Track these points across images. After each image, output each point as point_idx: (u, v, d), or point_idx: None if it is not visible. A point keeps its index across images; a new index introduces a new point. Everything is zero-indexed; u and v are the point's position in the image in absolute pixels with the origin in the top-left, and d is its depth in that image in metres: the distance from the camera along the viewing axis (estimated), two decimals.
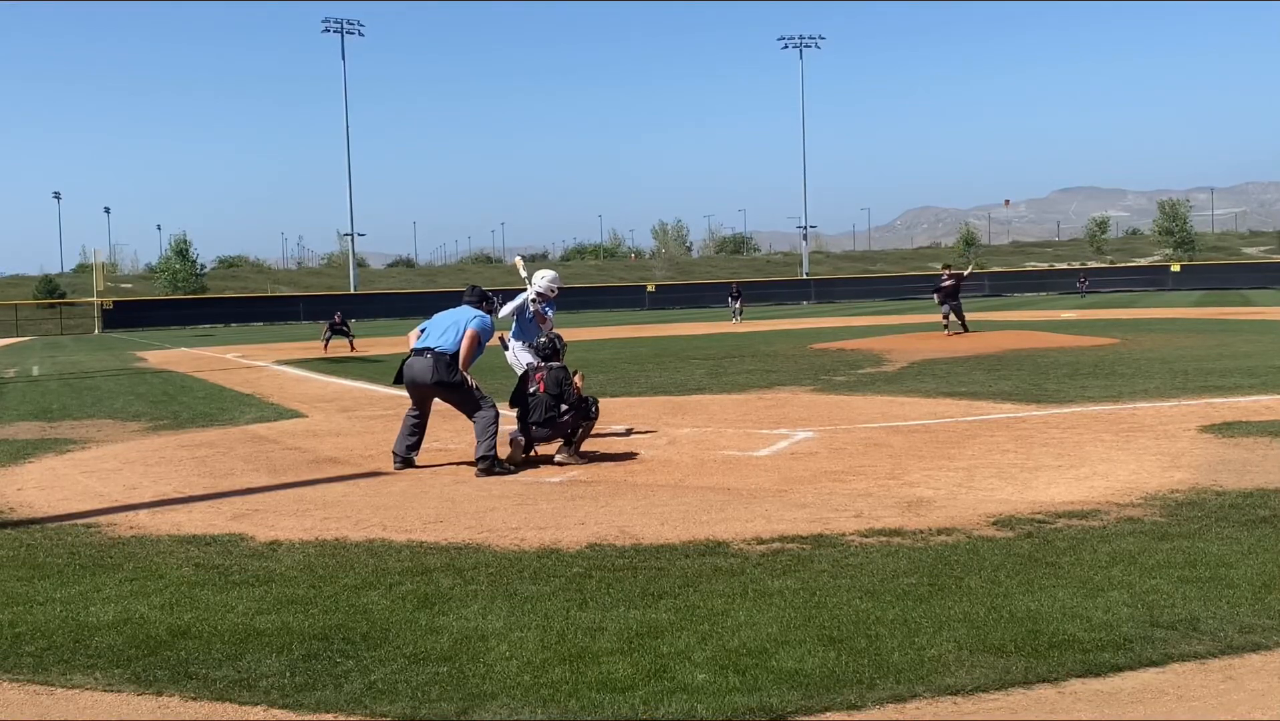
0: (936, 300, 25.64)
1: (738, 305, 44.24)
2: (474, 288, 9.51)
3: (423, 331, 8.96)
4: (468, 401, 8.71)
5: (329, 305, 73.08)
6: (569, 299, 70.07)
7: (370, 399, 15.35)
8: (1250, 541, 5.63)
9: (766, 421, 11.12)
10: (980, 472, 7.85)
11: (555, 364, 9.13)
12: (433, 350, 8.65)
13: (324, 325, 31.93)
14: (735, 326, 38.07)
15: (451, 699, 3.82)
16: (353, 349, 29.20)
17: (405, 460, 8.87)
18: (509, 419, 9.43)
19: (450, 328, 8.79)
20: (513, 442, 8.92)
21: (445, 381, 8.60)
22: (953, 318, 24.88)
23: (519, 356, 10.34)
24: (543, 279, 10.59)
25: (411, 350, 8.87)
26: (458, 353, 8.62)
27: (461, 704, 3.77)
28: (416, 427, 8.96)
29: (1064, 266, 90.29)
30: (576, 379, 9.06)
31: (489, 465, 8.40)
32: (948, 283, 25.13)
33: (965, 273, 29.76)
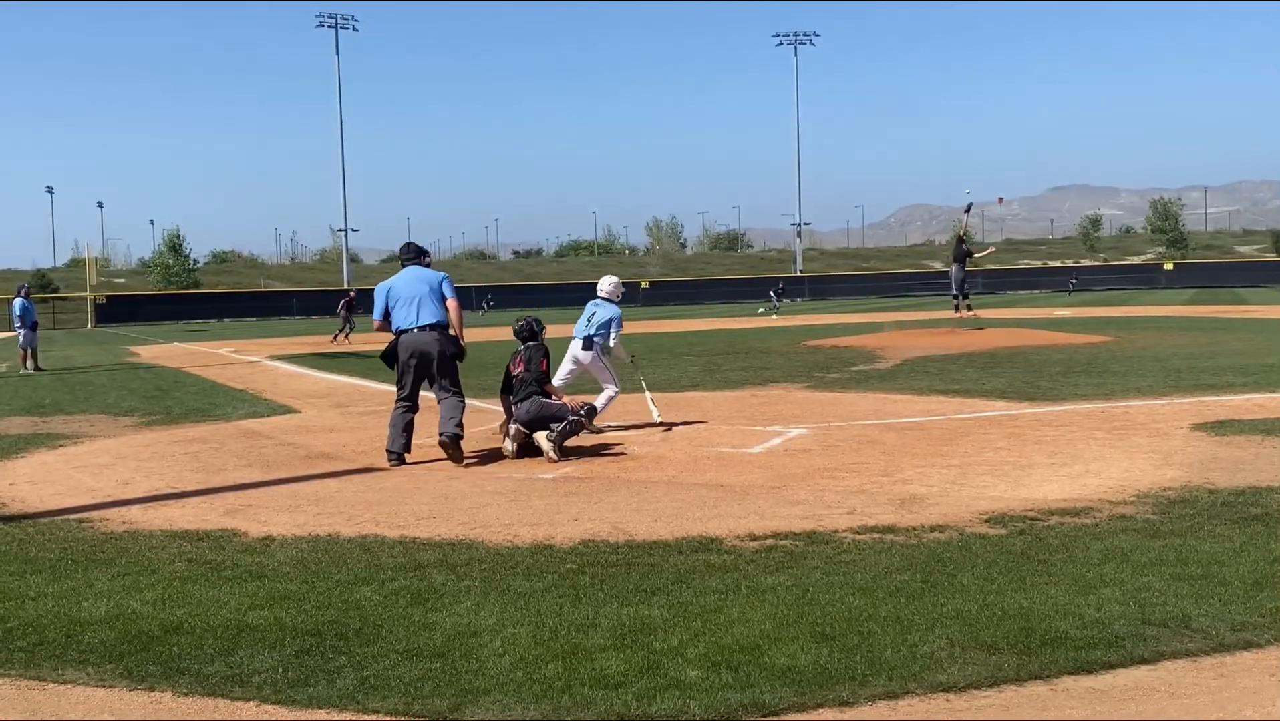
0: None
1: (778, 302, 44.83)
2: (409, 245, 9.48)
3: (390, 308, 8.99)
4: (456, 377, 8.97)
5: (322, 300, 73.06)
6: (563, 295, 70.04)
7: (363, 394, 15.33)
8: (1242, 539, 5.65)
9: (760, 418, 11.12)
10: (973, 470, 7.86)
11: (531, 344, 9.37)
12: (432, 325, 8.86)
13: (340, 315, 31.96)
14: (773, 321, 38.37)
15: (444, 695, 3.82)
16: (346, 340, 29.33)
17: (400, 456, 8.86)
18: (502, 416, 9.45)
19: (426, 298, 8.89)
20: (507, 432, 9.02)
21: (449, 351, 8.91)
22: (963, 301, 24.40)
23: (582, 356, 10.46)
24: (608, 284, 10.74)
25: (398, 331, 8.93)
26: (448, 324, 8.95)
27: (454, 700, 3.77)
28: (407, 416, 8.96)
29: (1057, 264, 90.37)
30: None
31: (453, 440, 8.64)
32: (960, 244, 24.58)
33: (975, 246, 27.65)
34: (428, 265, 9.22)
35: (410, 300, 8.89)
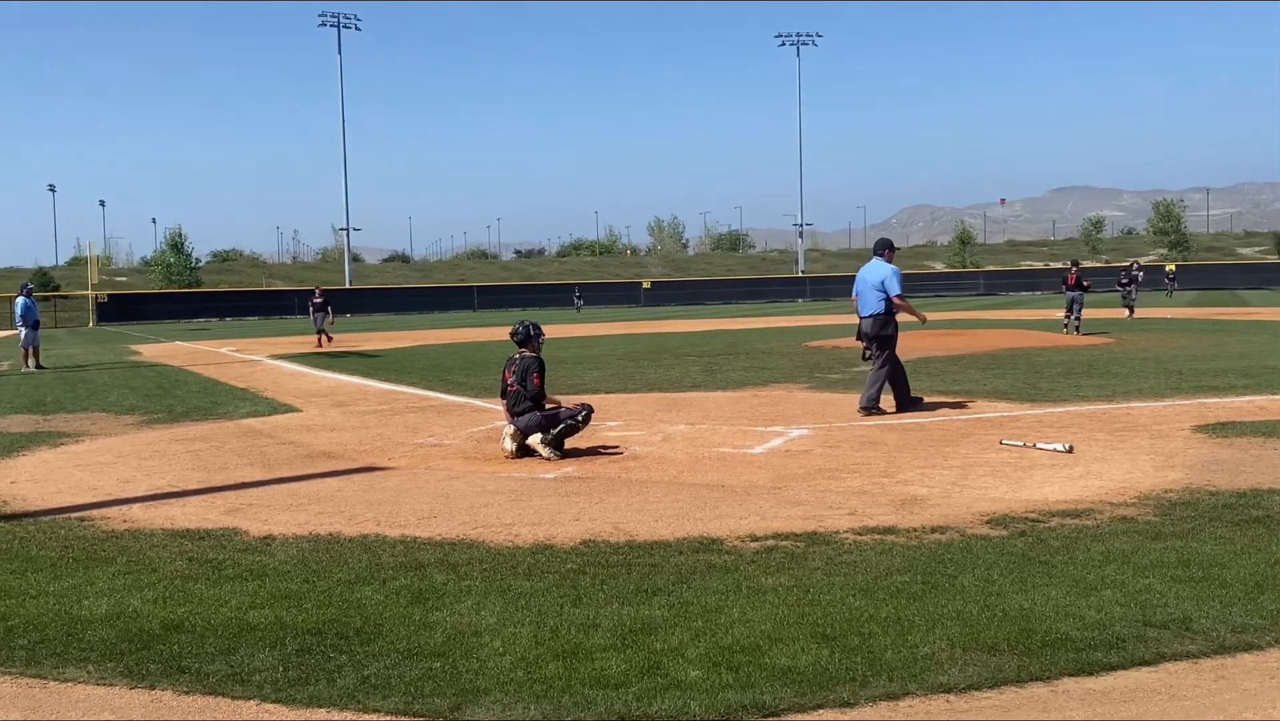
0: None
1: (1133, 289, 35.22)
2: (878, 240, 11.86)
3: (857, 295, 11.79)
4: (883, 353, 11.33)
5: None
6: (565, 295, 69.99)
7: (364, 394, 15.33)
8: (1243, 541, 5.64)
9: (761, 419, 11.12)
10: (974, 471, 7.86)
11: (526, 353, 9.29)
12: (870, 315, 11.50)
13: (313, 315, 29.62)
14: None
15: (444, 694, 3.82)
16: (326, 342, 28.29)
17: (867, 410, 11.04)
18: (498, 414, 9.45)
19: (865, 294, 11.54)
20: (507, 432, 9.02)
21: (882, 335, 11.41)
22: (1072, 317, 24.42)
23: None
24: None
25: (860, 317, 11.74)
26: (883, 313, 11.39)
27: (454, 699, 3.77)
28: (877, 374, 11.34)
29: (1059, 266, 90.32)
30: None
31: (869, 408, 11.05)
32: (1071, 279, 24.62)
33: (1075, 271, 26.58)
34: (888, 257, 11.60)
35: (859, 295, 11.67)
